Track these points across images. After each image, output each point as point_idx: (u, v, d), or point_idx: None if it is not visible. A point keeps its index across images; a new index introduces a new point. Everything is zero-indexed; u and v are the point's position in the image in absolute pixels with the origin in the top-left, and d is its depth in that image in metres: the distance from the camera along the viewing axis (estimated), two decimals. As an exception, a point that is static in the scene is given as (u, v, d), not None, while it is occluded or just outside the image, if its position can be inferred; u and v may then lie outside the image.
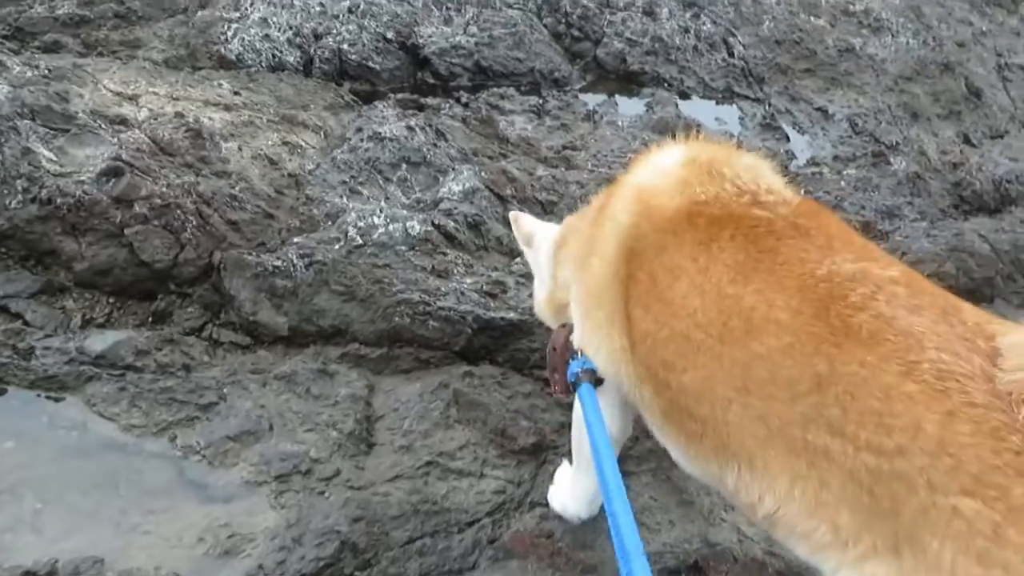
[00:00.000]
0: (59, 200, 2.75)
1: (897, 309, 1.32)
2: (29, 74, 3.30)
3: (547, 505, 2.22)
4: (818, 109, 4.54)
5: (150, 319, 2.77)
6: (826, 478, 1.30)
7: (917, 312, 1.31)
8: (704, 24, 4.87)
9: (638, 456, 2.35)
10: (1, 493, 2.19)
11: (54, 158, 2.88)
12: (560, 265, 2.01)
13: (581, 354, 1.80)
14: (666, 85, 4.53)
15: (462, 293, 2.74)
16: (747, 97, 4.56)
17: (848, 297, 1.35)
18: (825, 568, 1.35)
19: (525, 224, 2.23)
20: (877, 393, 1.25)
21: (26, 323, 2.66)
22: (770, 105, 4.49)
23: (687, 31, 4.80)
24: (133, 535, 2.11)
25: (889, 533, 1.23)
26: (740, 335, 1.42)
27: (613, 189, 1.83)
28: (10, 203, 2.76)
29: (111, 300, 2.79)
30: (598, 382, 1.77)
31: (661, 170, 1.73)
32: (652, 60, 4.62)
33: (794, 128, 4.38)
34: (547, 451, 2.35)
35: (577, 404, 1.85)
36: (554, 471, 2.27)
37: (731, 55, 4.78)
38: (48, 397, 2.45)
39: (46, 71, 3.38)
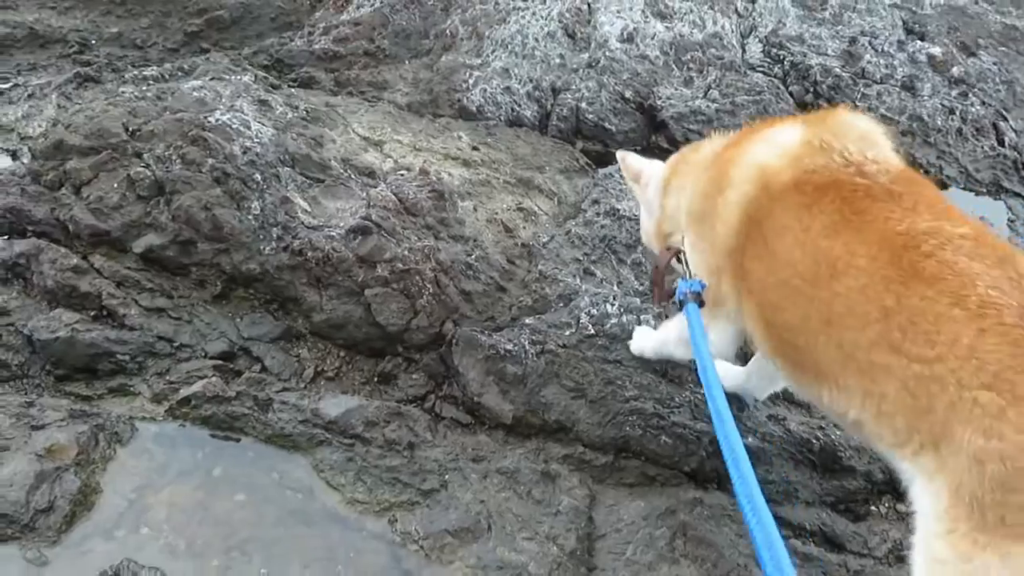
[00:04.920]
0: (309, 253, 2.82)
1: (960, 256, 1.57)
2: (290, 115, 3.44)
3: None
4: (1104, 217, 3.95)
5: (376, 379, 2.79)
6: (886, 391, 1.57)
7: (977, 259, 1.56)
8: (972, 105, 4.38)
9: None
10: (232, 550, 2.25)
11: (308, 208, 2.96)
12: (668, 196, 2.30)
13: (691, 277, 2.12)
14: (922, 172, 4.10)
15: (696, 406, 2.55)
16: (1018, 195, 4.05)
17: (920, 247, 1.60)
18: (895, 463, 1.64)
19: (633, 162, 2.52)
20: (930, 318, 1.52)
21: (264, 369, 2.75)
22: (1046, 207, 3.96)
23: (952, 112, 4.33)
24: (349, 625, 2.09)
25: (928, 430, 1.50)
26: (827, 279, 1.70)
27: (734, 156, 2.02)
28: (264, 248, 2.87)
29: (342, 354, 2.84)
30: (702, 303, 2.05)
31: (781, 150, 1.93)
32: (908, 142, 4.20)
33: (1074, 238, 3.83)
34: (784, 614, 2.11)
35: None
36: None
37: (1001, 143, 4.26)
38: (279, 453, 2.50)
39: (304, 112, 3.51)
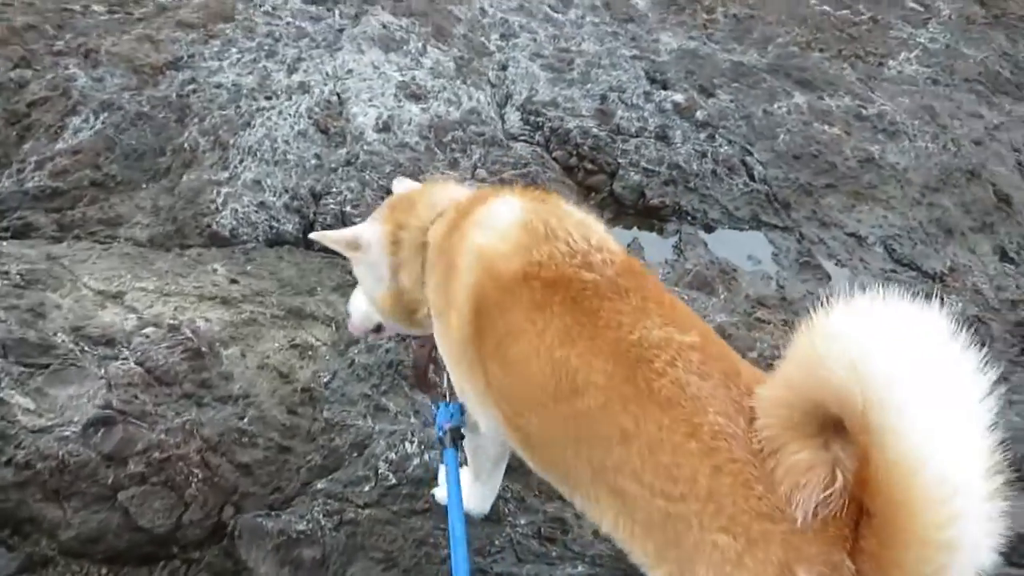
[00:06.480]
0: (39, 464, 2.35)
1: (690, 376, 1.56)
2: (-1, 285, 2.91)
3: None
4: (851, 234, 4.27)
5: (151, 593, 2.35)
6: (635, 516, 1.57)
7: (707, 377, 1.56)
8: (720, 146, 4.61)
9: None
10: None
11: (31, 406, 2.48)
12: (401, 269, 2.08)
13: (450, 400, 2.07)
14: (689, 218, 4.24)
15: (519, 543, 2.36)
16: (775, 226, 4.28)
17: (653, 363, 1.58)
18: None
19: (342, 234, 2.15)
20: (668, 450, 1.51)
21: (3, 622, 2.23)
22: (802, 236, 4.21)
23: (704, 155, 4.53)
24: None
25: (675, 561, 1.51)
26: (567, 394, 1.65)
27: (458, 239, 1.89)
28: (-19, 468, 2.35)
29: (104, 572, 2.37)
30: (461, 437, 2.04)
31: (501, 232, 1.83)
32: (672, 191, 4.33)
33: (832, 260, 4.09)
34: None
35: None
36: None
37: (752, 178, 4.50)
38: None
39: (17, 276, 2.99)
